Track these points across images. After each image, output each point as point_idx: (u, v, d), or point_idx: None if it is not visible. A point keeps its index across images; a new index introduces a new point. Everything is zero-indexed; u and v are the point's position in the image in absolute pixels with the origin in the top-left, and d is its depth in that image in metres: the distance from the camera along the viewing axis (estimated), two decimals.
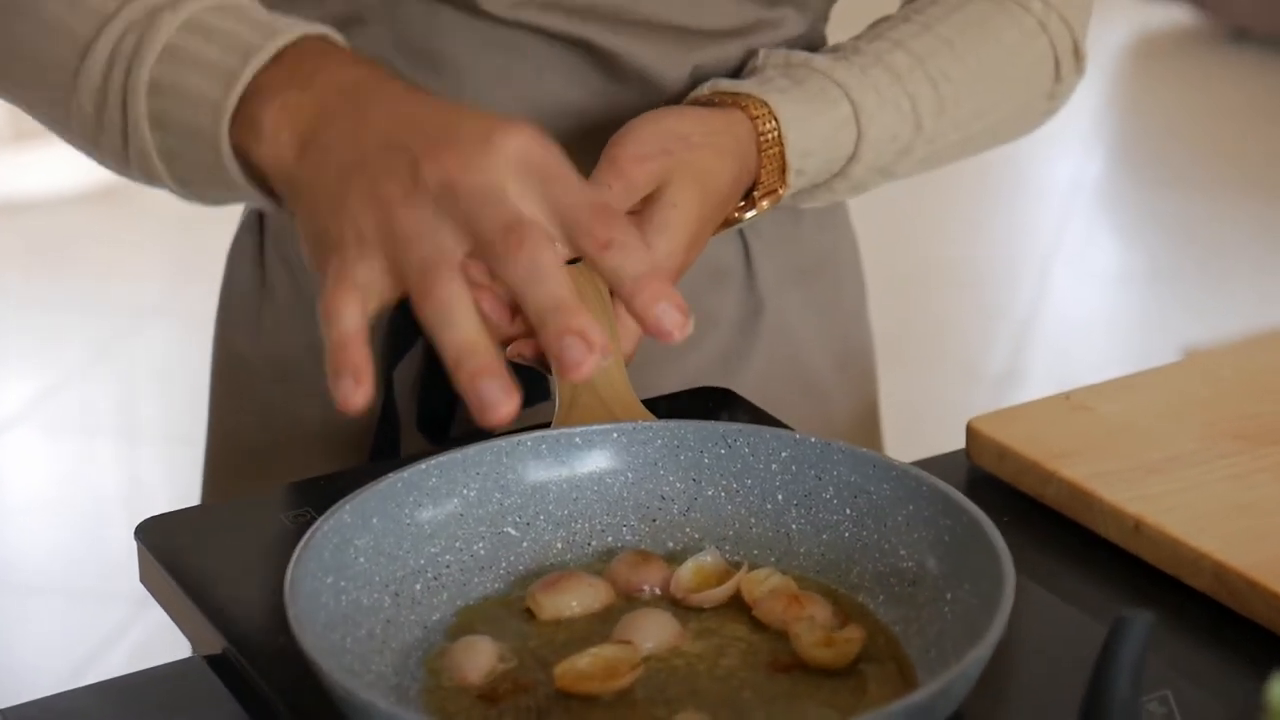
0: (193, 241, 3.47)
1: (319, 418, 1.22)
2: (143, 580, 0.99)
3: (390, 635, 0.88)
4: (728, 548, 0.95)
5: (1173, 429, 1.13)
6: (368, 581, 0.89)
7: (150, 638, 2.34)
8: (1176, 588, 1.02)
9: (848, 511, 0.93)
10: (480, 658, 0.87)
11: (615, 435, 0.96)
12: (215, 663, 0.93)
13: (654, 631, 0.88)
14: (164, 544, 0.98)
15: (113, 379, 3.56)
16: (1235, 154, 4.72)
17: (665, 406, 1.04)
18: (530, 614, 0.91)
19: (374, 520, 0.90)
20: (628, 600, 0.91)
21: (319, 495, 1.00)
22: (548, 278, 0.83)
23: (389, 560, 0.90)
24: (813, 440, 0.95)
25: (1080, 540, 1.07)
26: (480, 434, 1.17)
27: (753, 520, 0.95)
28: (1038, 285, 3.98)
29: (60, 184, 4.20)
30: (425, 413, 1.19)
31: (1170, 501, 1.06)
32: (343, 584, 0.87)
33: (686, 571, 0.92)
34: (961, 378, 3.50)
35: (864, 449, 0.95)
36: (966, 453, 1.14)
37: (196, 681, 0.93)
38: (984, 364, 3.60)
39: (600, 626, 0.89)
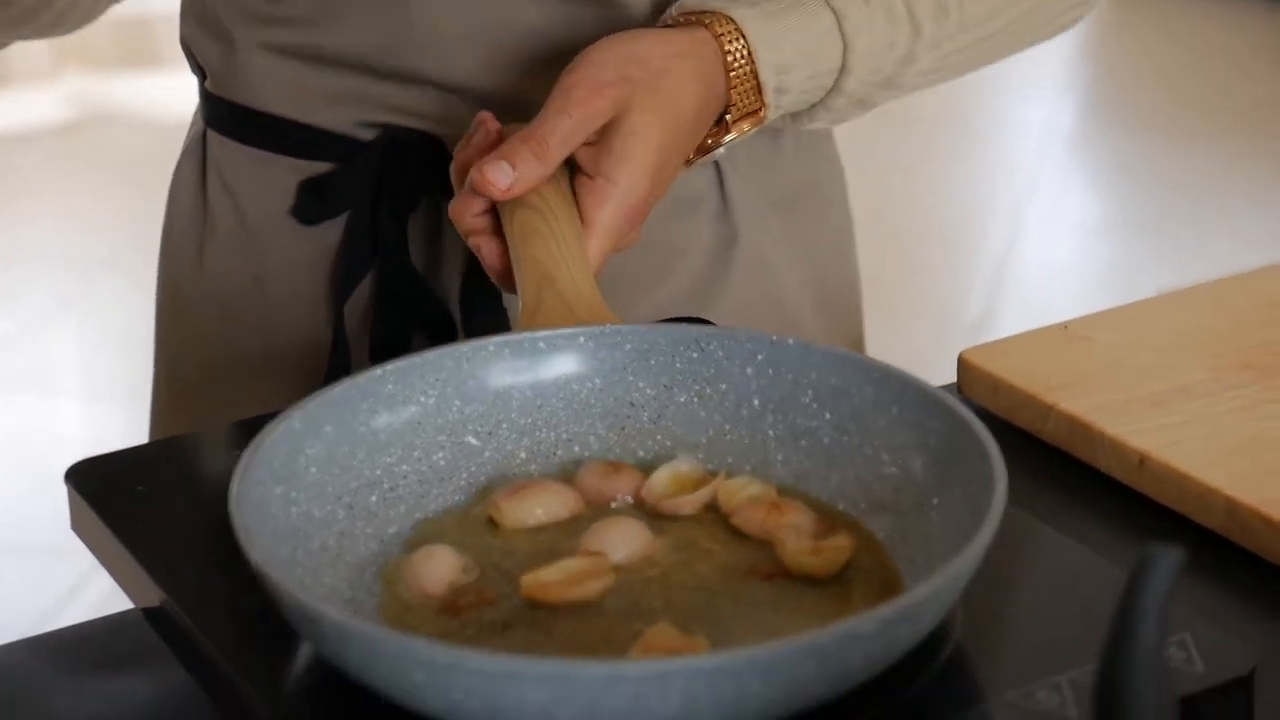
0: (155, 185, 3.39)
1: (265, 354, 1.16)
2: (74, 528, 0.92)
3: (344, 549, 0.82)
4: (701, 455, 0.89)
5: (1178, 359, 1.06)
6: (320, 493, 0.83)
7: (108, 595, 2.27)
8: (1185, 526, 0.96)
9: (827, 416, 0.88)
10: (440, 569, 0.81)
11: (582, 340, 0.90)
12: (153, 616, 0.86)
13: (624, 540, 0.83)
14: (97, 488, 0.91)
15: (71, 332, 3.49)
16: (1210, 100, 4.67)
17: None
18: (493, 524, 0.85)
19: (326, 428, 0.84)
20: (596, 510, 0.86)
21: None
22: None
23: (342, 470, 0.84)
24: (790, 342, 0.90)
25: (1081, 477, 1.01)
26: None
27: (727, 427, 0.90)
28: (1012, 231, 3.94)
29: (9, 124, 4.12)
30: (378, 346, 1.14)
31: (1177, 435, 0.99)
32: (293, 494, 0.81)
33: (661, 478, 0.87)
34: (935, 324, 3.45)
35: (844, 350, 0.90)
36: (957, 387, 1.08)
37: (133, 636, 0.87)
38: (958, 310, 3.56)
39: (567, 538, 0.84)
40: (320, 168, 1.14)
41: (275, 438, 0.82)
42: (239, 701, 0.79)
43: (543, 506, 0.85)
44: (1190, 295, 1.15)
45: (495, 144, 1.00)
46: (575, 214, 0.98)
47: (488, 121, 1.01)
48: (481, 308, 1.12)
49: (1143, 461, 0.98)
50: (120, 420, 3.02)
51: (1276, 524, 0.93)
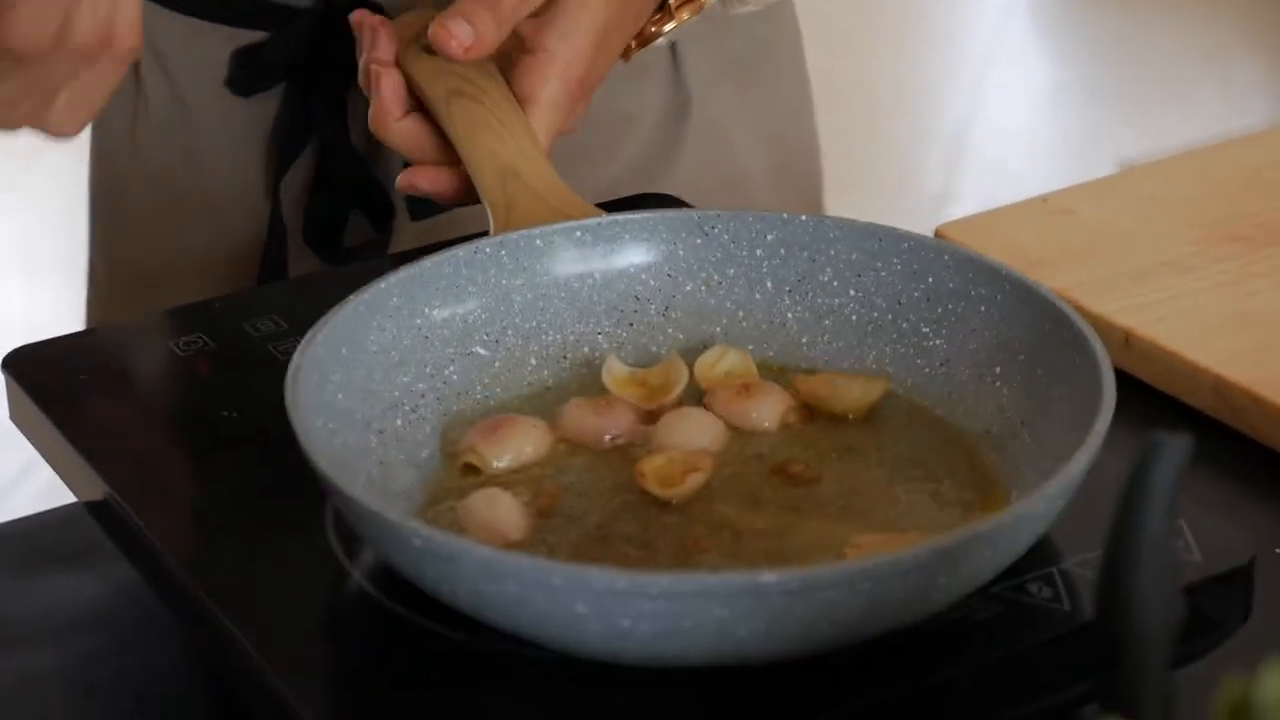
0: None
1: (203, 241, 1.12)
2: (13, 418, 0.88)
3: (386, 480, 0.77)
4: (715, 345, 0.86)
5: (1162, 232, 1.02)
6: (350, 421, 0.78)
7: (49, 487, 2.24)
8: (1172, 406, 0.93)
9: (851, 293, 0.84)
10: (508, 512, 0.75)
11: (578, 234, 0.86)
12: (97, 510, 0.82)
13: (701, 433, 0.79)
14: (35, 376, 0.87)
15: (11, 214, 3.42)
16: None
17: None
18: (472, 469, 0.80)
19: (343, 351, 0.79)
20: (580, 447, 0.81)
21: (211, 321, 0.90)
22: None
23: (364, 395, 0.79)
24: (803, 219, 0.86)
25: None
26: (378, 245, 1.08)
27: (741, 314, 0.86)
28: (971, 101, 3.89)
29: None
30: (314, 225, 1.10)
31: (1163, 311, 0.96)
32: (331, 426, 0.76)
33: (709, 362, 0.84)
34: (895, 194, 3.41)
35: (865, 221, 0.85)
36: None
37: (76, 531, 0.84)
38: (918, 181, 3.52)
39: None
40: (255, 37, 1.09)
41: (307, 367, 0.76)
42: (186, 596, 0.75)
43: (532, 445, 0.79)
44: (1171, 166, 1.11)
45: (394, 49, 0.95)
46: (515, 101, 0.93)
47: (375, 25, 0.96)
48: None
49: (1128, 339, 0.94)
50: (65, 303, 2.96)
51: (1268, 404, 0.89)
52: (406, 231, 1.09)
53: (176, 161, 1.12)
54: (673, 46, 1.12)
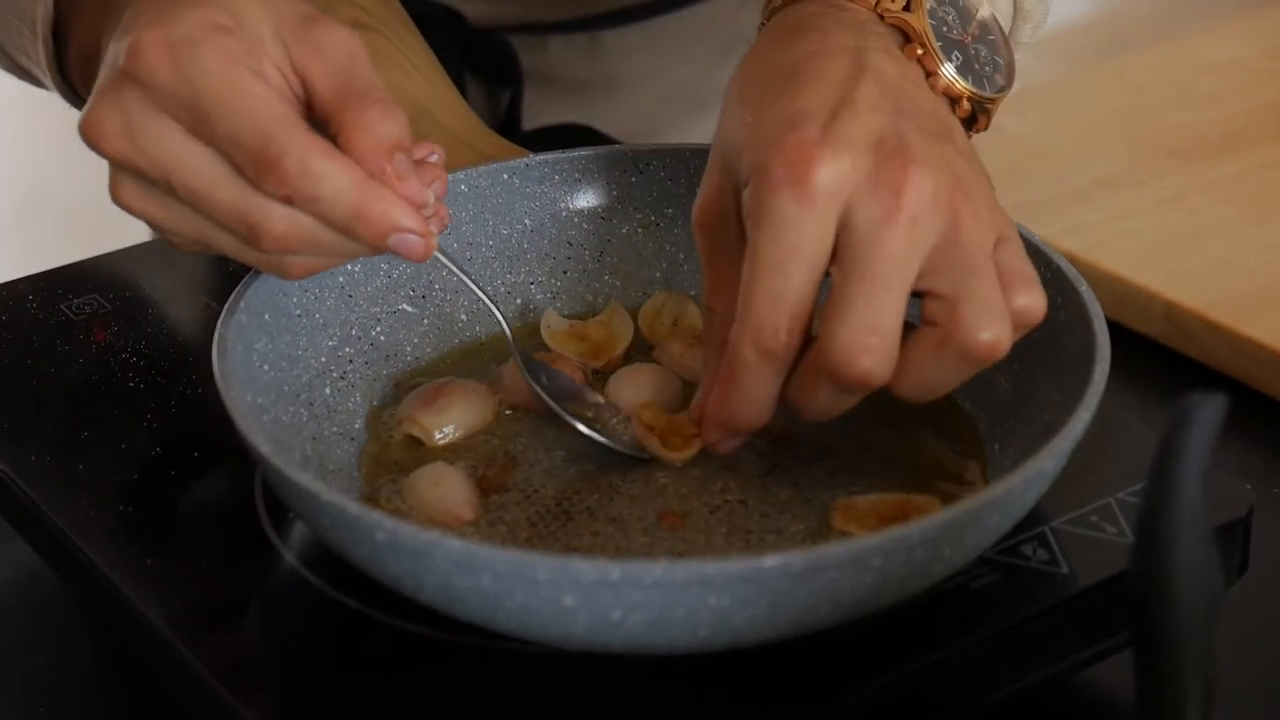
0: None
1: None
2: None
3: (323, 456, 0.71)
4: (656, 292, 0.80)
5: (1094, 147, 0.98)
6: (279, 394, 0.71)
7: None
8: (1119, 335, 0.88)
9: None
10: (456, 488, 0.70)
11: (505, 176, 0.80)
12: None
13: (654, 391, 0.74)
14: None
15: None
16: None
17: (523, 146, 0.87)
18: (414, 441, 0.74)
19: (266, 317, 0.72)
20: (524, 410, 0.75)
21: (104, 280, 0.82)
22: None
23: (290, 364, 0.73)
24: None
25: None
26: None
27: (682, 256, 0.81)
28: None
29: None
30: None
31: (1104, 233, 0.92)
32: (260, 401, 0.70)
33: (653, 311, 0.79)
34: None
35: None
36: None
37: None
38: None
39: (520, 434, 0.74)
40: None
41: (231, 336, 0.69)
42: (87, 575, 0.69)
43: (475, 411, 0.73)
44: (1095, 76, 1.07)
45: None
46: (419, 33, 0.87)
47: None
48: None
49: (1072, 264, 0.90)
50: None
51: (1225, 329, 0.85)
52: None
53: None
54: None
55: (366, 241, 0.66)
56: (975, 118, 0.71)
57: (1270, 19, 1.12)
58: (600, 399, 0.73)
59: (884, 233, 0.63)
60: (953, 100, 0.70)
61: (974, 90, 0.70)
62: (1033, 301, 0.65)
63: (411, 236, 0.66)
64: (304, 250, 0.67)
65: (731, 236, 0.66)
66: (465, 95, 0.91)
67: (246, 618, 0.67)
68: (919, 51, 0.69)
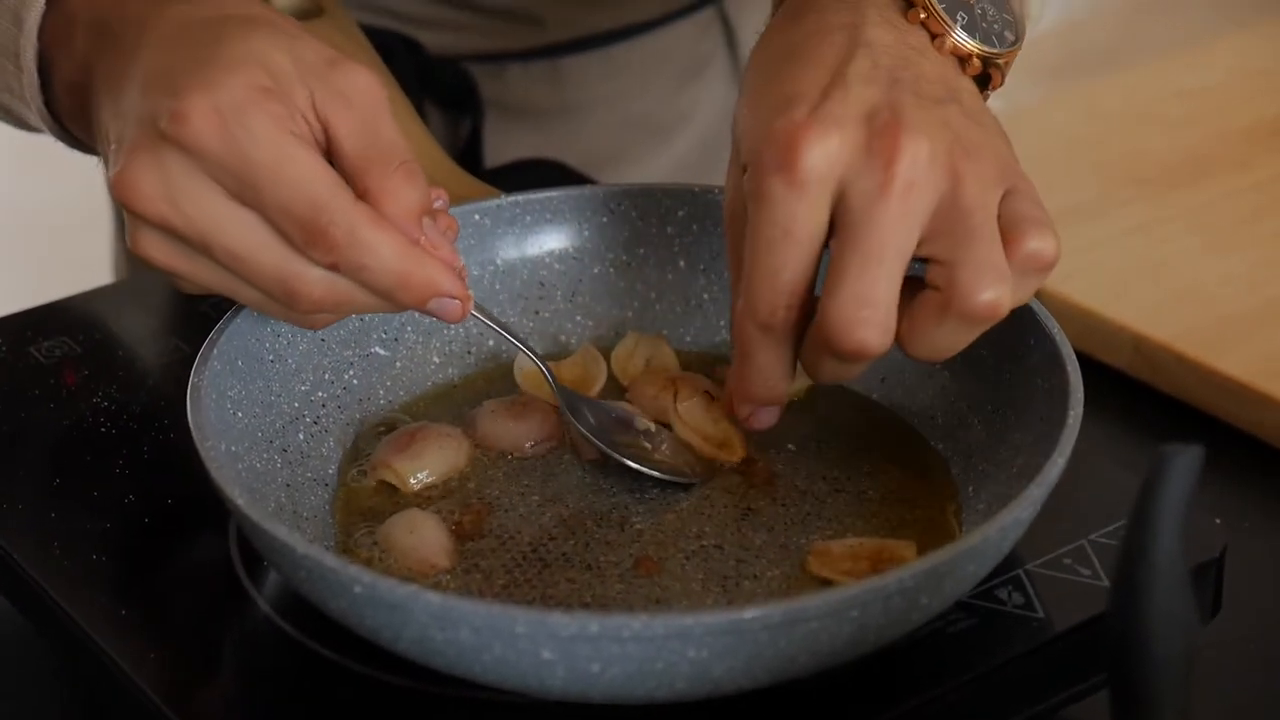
0: None
1: None
2: None
3: (298, 503, 0.71)
4: (628, 332, 0.80)
5: (1060, 175, 0.99)
6: (253, 441, 0.71)
7: None
8: (1087, 367, 0.88)
9: None
10: (433, 534, 0.69)
11: (476, 217, 0.80)
12: None
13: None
14: None
15: None
16: None
17: (492, 183, 0.87)
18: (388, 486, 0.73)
19: (239, 363, 0.72)
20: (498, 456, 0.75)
21: (74, 322, 0.82)
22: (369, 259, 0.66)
23: (264, 410, 0.73)
24: (715, 192, 0.80)
25: None
26: None
27: (654, 295, 0.81)
28: None
29: None
30: None
31: (1073, 264, 0.91)
32: (234, 449, 0.69)
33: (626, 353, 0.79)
34: None
35: None
36: None
37: None
38: None
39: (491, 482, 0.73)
40: None
41: (205, 385, 0.69)
42: (59, 624, 0.69)
43: (450, 456, 0.73)
44: (1062, 102, 1.07)
45: None
46: (388, 70, 0.86)
47: None
48: None
49: (1039, 297, 0.90)
50: None
51: (1191, 361, 0.86)
52: None
53: None
54: (730, 41, 1.07)
55: (407, 306, 0.67)
56: (989, 76, 0.71)
57: (1240, 43, 1.13)
58: (651, 425, 0.74)
59: (877, 206, 0.63)
60: (962, 60, 0.70)
61: (983, 48, 0.70)
62: (1044, 245, 0.65)
63: (451, 301, 0.67)
64: (337, 311, 0.67)
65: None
66: (425, 124, 0.90)
67: (221, 668, 0.67)
68: (922, 15, 0.69)
